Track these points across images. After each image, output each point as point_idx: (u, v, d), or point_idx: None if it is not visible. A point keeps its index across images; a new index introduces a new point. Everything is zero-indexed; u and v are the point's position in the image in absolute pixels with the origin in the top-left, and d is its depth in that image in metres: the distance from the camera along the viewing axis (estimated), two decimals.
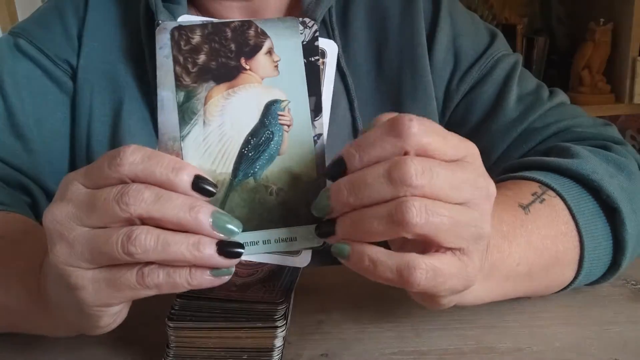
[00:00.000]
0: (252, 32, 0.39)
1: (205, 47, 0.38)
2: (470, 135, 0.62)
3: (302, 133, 0.39)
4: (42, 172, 0.66)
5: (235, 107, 0.39)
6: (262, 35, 0.39)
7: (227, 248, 0.36)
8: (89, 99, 0.66)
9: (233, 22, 0.39)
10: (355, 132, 0.65)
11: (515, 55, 0.70)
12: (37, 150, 0.66)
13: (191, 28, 0.38)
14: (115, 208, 0.35)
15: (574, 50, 2.14)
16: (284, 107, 0.39)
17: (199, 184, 0.36)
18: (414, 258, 0.35)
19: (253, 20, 0.39)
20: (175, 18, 0.62)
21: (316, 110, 0.39)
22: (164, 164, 0.36)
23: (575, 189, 0.52)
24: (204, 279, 0.37)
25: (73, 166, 0.66)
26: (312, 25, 0.39)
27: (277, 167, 0.39)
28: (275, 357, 0.43)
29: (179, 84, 0.38)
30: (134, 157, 0.35)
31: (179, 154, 0.38)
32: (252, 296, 0.44)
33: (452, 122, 0.69)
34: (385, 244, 0.37)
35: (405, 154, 0.35)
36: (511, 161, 0.61)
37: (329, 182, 0.38)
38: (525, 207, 0.49)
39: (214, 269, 0.37)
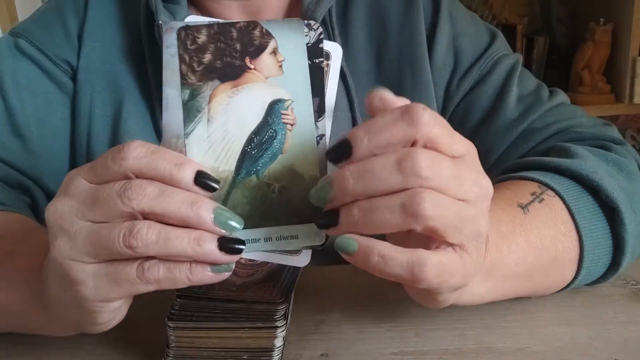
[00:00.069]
0: (257, 32, 0.39)
1: (211, 46, 0.39)
2: (470, 135, 0.62)
3: (305, 132, 0.39)
4: (42, 173, 0.67)
5: (240, 105, 0.39)
6: (267, 35, 0.39)
7: (228, 244, 0.36)
8: (89, 99, 0.66)
9: (239, 22, 0.39)
10: None
11: (515, 55, 0.70)
12: (37, 150, 0.66)
13: (197, 28, 0.39)
14: (118, 203, 0.35)
15: (574, 50, 2.14)
16: (288, 106, 0.39)
17: (201, 180, 0.36)
18: (425, 254, 0.35)
19: (258, 21, 0.40)
20: (175, 18, 0.62)
21: (319, 111, 0.40)
22: (167, 159, 0.36)
23: (574, 189, 0.52)
24: (204, 275, 0.37)
25: (73, 166, 0.66)
26: (317, 27, 0.40)
27: (279, 166, 0.39)
28: (275, 357, 0.43)
29: (184, 82, 0.39)
30: (138, 152, 0.36)
31: (182, 151, 0.38)
32: (252, 296, 0.44)
33: (452, 122, 0.68)
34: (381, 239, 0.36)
35: (413, 144, 0.35)
36: (511, 161, 0.61)
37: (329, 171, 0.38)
38: (524, 207, 0.49)
39: (214, 265, 0.37)
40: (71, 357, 0.48)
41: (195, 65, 0.39)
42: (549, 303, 0.53)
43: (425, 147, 0.35)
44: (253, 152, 0.39)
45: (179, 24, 0.39)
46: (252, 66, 0.39)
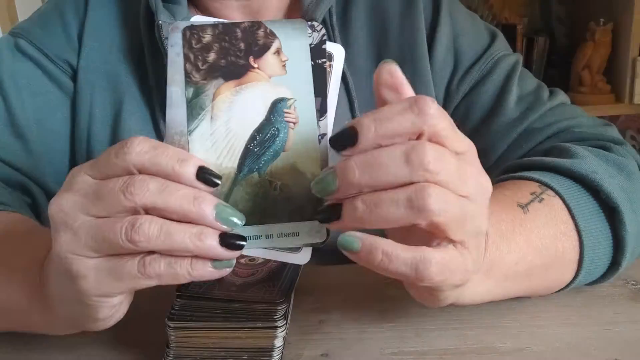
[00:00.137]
0: (261, 32, 0.40)
1: (215, 45, 0.39)
2: (471, 135, 0.61)
3: (307, 131, 0.40)
4: (43, 173, 0.67)
5: (243, 103, 0.39)
6: (271, 35, 0.40)
7: (229, 240, 0.36)
8: (89, 99, 0.66)
9: (243, 22, 0.40)
10: None
11: (515, 55, 0.70)
12: (37, 150, 0.66)
13: (202, 28, 0.39)
14: (121, 198, 0.35)
15: (574, 50, 2.14)
16: (290, 105, 0.40)
17: (203, 175, 0.36)
18: (429, 252, 0.35)
19: (262, 21, 0.40)
20: (175, 18, 0.62)
21: (321, 111, 0.40)
22: (170, 155, 0.36)
23: (574, 189, 0.52)
24: (205, 270, 0.37)
25: (73, 166, 0.66)
26: (321, 29, 0.40)
27: (281, 163, 0.39)
28: (275, 357, 0.43)
29: (188, 80, 0.39)
30: (141, 147, 0.36)
31: (185, 148, 0.39)
32: (252, 296, 0.44)
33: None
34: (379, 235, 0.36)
35: (418, 137, 0.35)
36: (511, 161, 0.61)
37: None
38: (524, 207, 0.49)
39: (215, 261, 0.37)
40: (71, 357, 0.48)
41: (199, 64, 0.39)
42: (549, 303, 0.53)
43: (430, 140, 0.35)
44: (255, 150, 0.39)
45: (185, 24, 0.39)
46: (255, 65, 0.40)
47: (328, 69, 0.40)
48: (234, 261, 0.38)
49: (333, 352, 0.47)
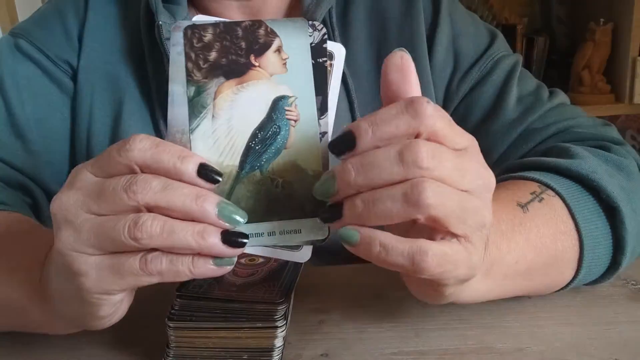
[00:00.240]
0: (262, 31, 0.40)
1: (216, 44, 0.39)
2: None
3: (308, 128, 0.40)
4: (43, 173, 0.67)
5: (244, 102, 0.40)
6: (272, 34, 0.40)
7: (231, 237, 0.37)
8: (89, 99, 0.66)
9: (244, 21, 0.40)
10: None
11: (515, 55, 0.70)
12: (37, 150, 0.66)
13: (204, 27, 0.39)
14: (123, 196, 0.35)
15: (574, 50, 2.14)
16: (291, 103, 0.40)
17: (204, 172, 0.37)
18: (426, 243, 0.35)
19: (263, 20, 0.40)
20: (175, 18, 0.63)
21: (322, 110, 0.40)
22: (172, 152, 0.36)
23: (574, 189, 0.52)
24: (207, 268, 0.37)
25: (73, 166, 0.66)
26: (322, 28, 0.40)
27: (283, 161, 0.40)
28: (275, 357, 0.43)
29: (190, 79, 0.39)
30: (143, 145, 0.36)
31: (187, 146, 0.39)
32: (252, 296, 0.44)
33: None
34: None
35: (417, 137, 0.35)
36: (511, 161, 0.61)
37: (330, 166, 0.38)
38: (523, 206, 0.49)
39: (217, 259, 0.37)
40: (71, 357, 0.48)
41: (201, 62, 0.39)
42: (549, 303, 0.53)
43: (429, 139, 0.35)
44: (257, 148, 0.39)
45: (186, 23, 0.39)
46: (256, 64, 0.40)
47: (329, 68, 0.41)
48: (235, 259, 0.38)
49: (333, 352, 0.47)
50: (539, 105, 0.65)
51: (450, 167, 0.35)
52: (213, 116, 0.39)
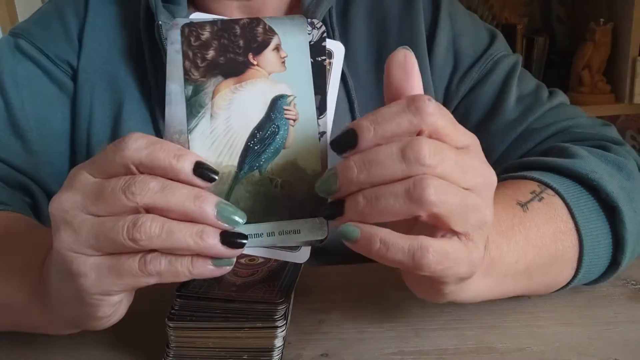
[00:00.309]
0: (260, 29, 0.39)
1: (214, 43, 0.39)
2: None
3: (307, 128, 0.39)
4: (43, 173, 0.67)
5: (242, 101, 0.39)
6: (270, 32, 0.39)
7: (230, 238, 0.37)
8: (89, 99, 0.66)
9: (242, 19, 0.39)
10: None
11: (515, 55, 0.70)
12: (37, 150, 0.66)
13: (201, 25, 0.39)
14: (122, 197, 0.35)
15: (574, 50, 2.14)
16: (290, 102, 0.39)
17: (200, 170, 0.37)
18: (427, 240, 0.35)
19: (261, 18, 0.40)
20: (175, 18, 0.62)
21: (321, 109, 0.40)
22: (167, 151, 0.36)
23: (574, 188, 0.52)
24: (206, 268, 0.37)
25: (73, 166, 0.66)
26: (321, 26, 0.40)
27: (282, 161, 0.39)
28: (275, 357, 0.43)
29: (187, 78, 0.39)
30: (138, 144, 0.36)
31: (185, 146, 0.39)
32: (252, 296, 0.44)
33: None
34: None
35: (418, 134, 0.35)
36: (510, 161, 0.61)
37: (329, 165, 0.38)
38: (523, 205, 0.49)
39: (216, 259, 0.37)
40: (71, 357, 0.48)
41: (198, 61, 0.39)
42: (549, 303, 0.53)
43: (430, 137, 0.35)
44: (256, 148, 0.39)
45: (183, 21, 0.39)
46: (255, 62, 0.39)
47: (328, 67, 0.40)
48: (235, 259, 0.38)
49: (333, 352, 0.47)
50: (538, 106, 0.65)
51: (452, 164, 0.35)
52: (211, 116, 0.39)
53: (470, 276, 0.39)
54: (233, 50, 0.39)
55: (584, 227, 0.50)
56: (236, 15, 0.67)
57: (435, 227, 0.36)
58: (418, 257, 0.35)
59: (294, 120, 0.39)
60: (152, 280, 0.37)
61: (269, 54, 0.39)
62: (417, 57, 0.66)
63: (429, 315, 0.51)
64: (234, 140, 0.39)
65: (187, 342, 0.43)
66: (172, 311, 0.43)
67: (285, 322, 0.43)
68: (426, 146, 0.34)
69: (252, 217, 0.39)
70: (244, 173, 0.39)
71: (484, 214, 0.37)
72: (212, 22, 0.39)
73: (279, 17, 0.40)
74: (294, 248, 0.40)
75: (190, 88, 0.39)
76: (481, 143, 0.38)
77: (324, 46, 0.40)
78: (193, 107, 0.39)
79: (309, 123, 0.39)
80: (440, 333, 0.49)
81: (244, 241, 0.37)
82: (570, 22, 2.30)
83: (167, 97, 0.39)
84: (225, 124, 0.39)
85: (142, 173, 0.36)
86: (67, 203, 0.37)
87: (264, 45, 0.39)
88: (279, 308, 0.43)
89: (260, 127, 0.39)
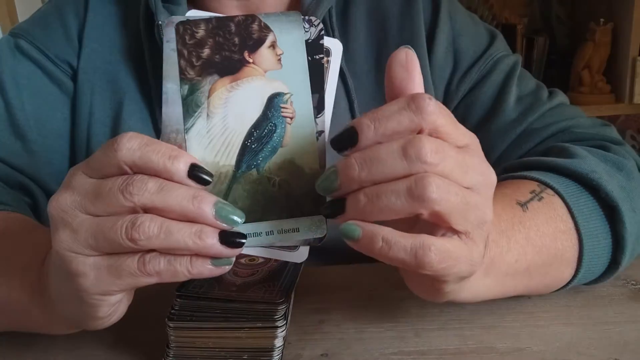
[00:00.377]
0: (255, 26, 0.39)
1: (209, 41, 0.39)
2: None
3: (304, 126, 0.39)
4: (43, 173, 0.67)
5: (239, 99, 0.39)
6: (266, 29, 0.39)
7: (229, 238, 0.36)
8: (89, 99, 0.66)
9: (237, 16, 0.39)
10: None
11: (515, 56, 0.70)
12: (37, 150, 0.66)
13: (196, 23, 0.39)
14: (120, 197, 0.35)
15: (574, 50, 2.14)
16: (287, 100, 0.39)
17: (195, 172, 0.36)
18: (428, 238, 0.35)
19: (257, 15, 0.39)
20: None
21: (318, 108, 0.40)
22: (161, 152, 0.36)
23: (574, 188, 0.52)
24: (205, 268, 0.37)
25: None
26: (318, 24, 0.40)
27: (279, 159, 0.39)
28: (275, 357, 0.43)
29: (183, 77, 0.39)
30: (132, 144, 0.36)
31: (182, 146, 0.38)
32: (252, 296, 0.44)
33: None
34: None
35: (418, 133, 0.35)
36: (510, 161, 0.61)
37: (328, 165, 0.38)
38: (523, 205, 0.49)
39: (215, 259, 0.37)
40: (71, 357, 0.48)
41: (194, 60, 0.39)
42: (549, 303, 0.53)
43: (431, 135, 0.35)
44: (253, 146, 0.39)
45: (178, 18, 0.39)
46: (250, 60, 0.39)
47: (325, 65, 0.40)
48: (233, 259, 0.38)
49: (333, 352, 0.47)
50: (538, 106, 0.65)
51: (453, 163, 0.35)
52: (208, 115, 0.39)
53: (470, 275, 0.39)
54: (228, 48, 0.39)
55: (583, 226, 0.50)
56: (235, 14, 0.67)
57: (435, 226, 0.36)
58: (420, 255, 0.35)
59: (291, 118, 0.39)
60: (151, 280, 0.37)
61: (264, 52, 0.39)
62: (417, 57, 0.67)
63: (429, 315, 0.51)
64: (231, 139, 0.39)
65: (187, 342, 0.43)
66: (172, 311, 0.43)
67: (285, 322, 0.43)
68: (427, 144, 0.34)
69: (251, 216, 0.39)
70: (242, 172, 0.39)
71: (484, 212, 0.37)
72: (207, 20, 0.39)
73: (274, 14, 0.40)
74: (293, 248, 0.40)
75: (186, 87, 0.39)
76: (481, 143, 0.38)
77: (322, 44, 0.40)
78: (189, 107, 0.39)
79: (306, 121, 0.39)
80: (440, 333, 0.49)
81: (243, 240, 0.37)
82: (570, 22, 2.30)
83: (163, 97, 0.39)
84: (222, 123, 0.39)
85: (136, 173, 0.36)
86: (65, 203, 0.37)
87: (260, 42, 0.39)
88: (279, 308, 0.43)
89: (257, 125, 0.39)
